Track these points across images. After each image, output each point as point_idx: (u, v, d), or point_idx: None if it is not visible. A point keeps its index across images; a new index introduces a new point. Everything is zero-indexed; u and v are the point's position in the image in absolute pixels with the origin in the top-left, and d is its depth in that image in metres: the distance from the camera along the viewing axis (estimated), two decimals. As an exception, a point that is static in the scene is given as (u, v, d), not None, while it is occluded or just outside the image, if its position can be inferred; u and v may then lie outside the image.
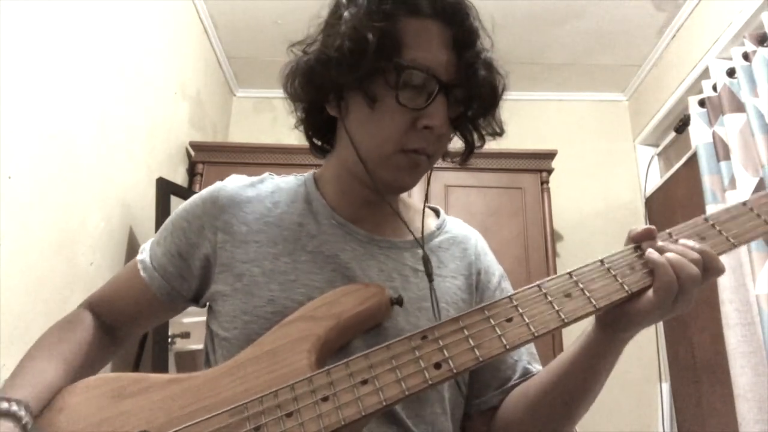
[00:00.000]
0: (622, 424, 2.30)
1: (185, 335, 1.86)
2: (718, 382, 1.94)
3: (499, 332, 0.56)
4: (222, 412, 0.55)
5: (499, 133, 0.75)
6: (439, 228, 0.80)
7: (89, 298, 0.80)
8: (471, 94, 0.68)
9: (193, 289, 0.76)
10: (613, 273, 0.59)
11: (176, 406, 0.59)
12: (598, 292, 0.58)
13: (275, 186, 0.78)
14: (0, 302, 1.19)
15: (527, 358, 0.76)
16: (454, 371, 0.55)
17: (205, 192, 0.78)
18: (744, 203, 0.65)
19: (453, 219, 0.85)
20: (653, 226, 0.60)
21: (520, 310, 0.58)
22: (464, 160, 0.77)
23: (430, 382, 0.54)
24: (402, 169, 0.69)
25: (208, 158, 2.32)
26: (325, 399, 0.54)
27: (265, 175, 0.81)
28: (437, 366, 0.55)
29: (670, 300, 0.56)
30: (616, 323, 0.59)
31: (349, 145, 0.70)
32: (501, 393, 0.74)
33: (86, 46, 1.55)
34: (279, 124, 2.88)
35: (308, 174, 0.81)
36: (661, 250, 0.57)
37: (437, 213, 0.84)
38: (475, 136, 0.75)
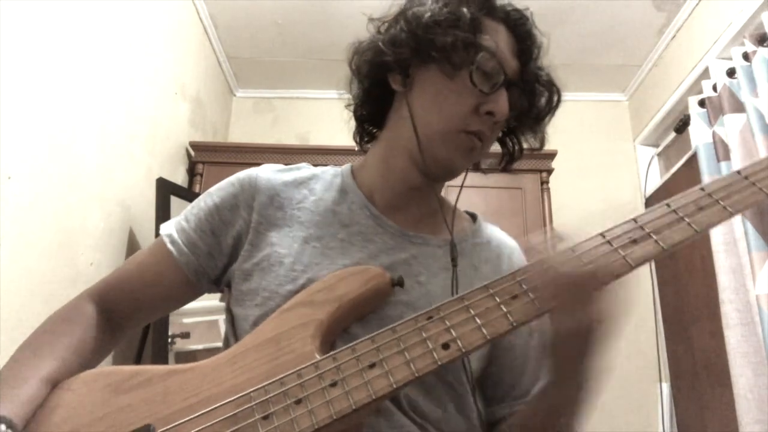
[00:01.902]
0: (622, 424, 2.30)
1: (185, 335, 1.86)
2: (718, 382, 1.94)
3: (505, 309, 0.55)
4: (227, 402, 0.54)
5: (539, 146, 0.78)
6: (475, 232, 0.80)
7: (95, 288, 0.76)
8: (530, 100, 0.73)
9: (219, 267, 0.75)
10: (615, 246, 0.56)
11: (178, 398, 0.57)
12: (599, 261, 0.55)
13: (311, 174, 0.80)
14: (0, 302, 1.19)
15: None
16: (463, 350, 0.54)
17: (240, 174, 0.78)
18: (738, 171, 0.61)
19: (491, 225, 0.85)
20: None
21: (524, 287, 0.56)
22: (505, 167, 0.80)
23: (439, 363, 0.53)
24: (459, 149, 0.70)
25: (208, 158, 2.32)
26: (333, 384, 0.53)
27: (302, 164, 0.82)
28: (445, 346, 0.54)
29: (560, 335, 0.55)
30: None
31: (406, 121, 0.72)
32: (506, 407, 0.72)
33: (86, 46, 1.55)
34: (279, 124, 2.88)
35: (345, 166, 0.82)
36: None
37: (474, 218, 0.84)
38: (516, 146, 0.79)
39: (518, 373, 0.73)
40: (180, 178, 2.27)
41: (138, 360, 1.76)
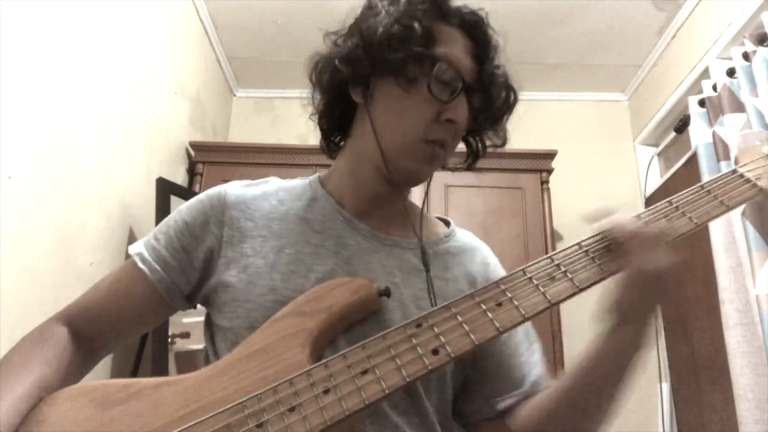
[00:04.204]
0: (622, 424, 2.29)
1: (185, 335, 1.86)
2: (718, 382, 1.94)
3: (491, 316, 0.58)
4: (220, 411, 0.54)
5: (501, 143, 0.79)
6: (448, 236, 0.82)
7: (63, 312, 0.75)
8: (486, 101, 0.73)
9: (192, 283, 0.75)
10: (591, 255, 0.62)
11: (169, 409, 0.57)
12: (579, 274, 0.60)
13: (279, 186, 0.81)
14: (0, 302, 1.19)
15: (538, 372, 0.76)
16: (452, 356, 0.56)
17: (209, 191, 0.78)
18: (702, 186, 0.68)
19: (464, 231, 0.86)
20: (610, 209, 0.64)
21: (509, 294, 0.60)
22: (469, 165, 0.82)
23: (429, 368, 0.55)
24: (421, 158, 0.72)
25: (208, 158, 2.32)
26: (326, 391, 0.54)
27: (269, 177, 0.83)
28: (435, 352, 0.56)
29: (643, 275, 0.58)
30: (613, 318, 0.61)
31: (369, 133, 0.73)
32: (508, 398, 0.73)
33: (86, 46, 1.55)
34: (279, 124, 2.88)
35: (313, 176, 0.83)
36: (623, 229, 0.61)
37: (447, 224, 0.85)
38: (479, 144, 0.80)
39: (506, 375, 0.74)
40: (180, 178, 2.27)
41: (138, 360, 1.76)
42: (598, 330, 0.63)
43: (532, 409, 0.71)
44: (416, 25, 0.68)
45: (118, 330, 0.77)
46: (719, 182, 0.68)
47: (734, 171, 0.70)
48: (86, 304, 0.75)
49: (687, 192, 0.67)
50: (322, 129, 0.81)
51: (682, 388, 2.24)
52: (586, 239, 0.63)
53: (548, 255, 0.62)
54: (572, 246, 0.63)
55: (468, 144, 0.81)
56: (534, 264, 0.62)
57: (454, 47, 0.70)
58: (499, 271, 0.81)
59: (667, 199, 0.66)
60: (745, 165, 0.70)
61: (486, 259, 0.82)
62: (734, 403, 1.62)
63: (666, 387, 2.34)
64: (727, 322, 1.70)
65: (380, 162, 0.72)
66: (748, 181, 0.68)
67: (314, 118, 0.80)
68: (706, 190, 0.67)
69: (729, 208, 0.66)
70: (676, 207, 0.65)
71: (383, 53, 0.69)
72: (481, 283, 0.76)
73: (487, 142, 0.80)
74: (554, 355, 1.96)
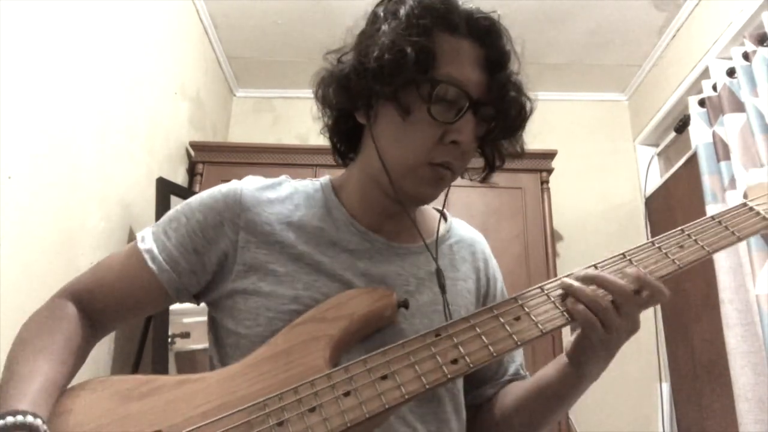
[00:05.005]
0: (622, 424, 2.30)
1: (185, 335, 1.86)
2: (718, 382, 1.94)
3: (510, 330, 0.61)
4: (240, 409, 0.55)
5: (519, 154, 0.76)
6: (449, 231, 0.83)
7: (71, 288, 0.74)
8: (499, 114, 0.70)
9: (201, 284, 0.74)
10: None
11: (190, 406, 0.58)
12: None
13: (293, 189, 0.79)
14: (0, 302, 1.19)
15: (519, 360, 0.85)
16: (471, 366, 0.58)
17: (224, 188, 0.76)
18: (712, 217, 0.72)
19: (458, 221, 0.87)
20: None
21: (526, 309, 0.62)
22: (484, 178, 0.79)
23: (449, 377, 0.57)
24: (426, 181, 0.70)
25: (208, 158, 2.32)
26: (346, 394, 0.56)
27: (282, 177, 0.81)
28: (454, 362, 0.58)
29: (596, 333, 0.62)
30: (579, 359, 0.67)
31: (374, 154, 0.71)
32: (492, 386, 0.81)
33: (86, 46, 1.55)
34: (279, 124, 2.88)
35: (324, 179, 0.82)
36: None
37: (444, 216, 0.85)
38: (496, 156, 0.77)
39: (490, 366, 0.81)
40: (180, 178, 2.27)
41: (138, 359, 1.76)
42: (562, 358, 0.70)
43: (507, 398, 0.79)
44: (408, 49, 0.64)
45: (122, 316, 0.77)
46: (729, 214, 0.71)
47: (744, 204, 0.73)
48: (93, 286, 0.74)
49: (698, 222, 0.70)
50: (332, 142, 0.81)
51: (682, 388, 2.24)
52: (602, 261, 0.66)
53: (566, 274, 0.65)
54: (589, 267, 0.66)
55: (483, 155, 0.78)
56: (551, 282, 0.65)
57: (460, 62, 0.67)
58: (493, 265, 0.86)
59: (680, 228, 0.69)
60: (754, 199, 0.73)
61: (485, 254, 0.86)
62: (734, 403, 1.62)
63: (666, 387, 2.34)
64: (727, 322, 1.70)
65: (386, 183, 0.71)
66: (757, 214, 0.71)
67: (325, 132, 0.80)
68: (717, 221, 0.70)
69: (739, 239, 0.69)
70: (689, 235, 0.69)
71: (377, 83, 0.66)
72: (482, 281, 0.82)
73: (505, 153, 0.77)
74: (554, 352, 1.96)
